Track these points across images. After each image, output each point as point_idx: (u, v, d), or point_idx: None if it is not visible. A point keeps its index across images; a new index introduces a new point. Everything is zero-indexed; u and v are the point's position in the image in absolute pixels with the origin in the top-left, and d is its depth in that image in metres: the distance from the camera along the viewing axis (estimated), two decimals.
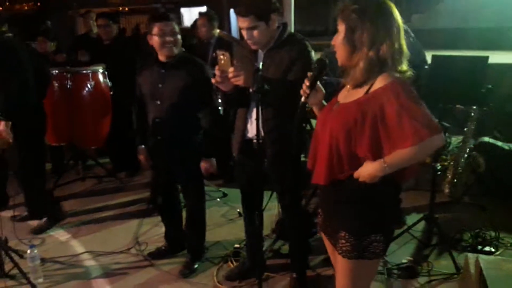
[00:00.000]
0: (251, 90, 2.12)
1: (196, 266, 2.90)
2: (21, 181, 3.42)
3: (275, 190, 2.57)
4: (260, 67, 2.22)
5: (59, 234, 3.44)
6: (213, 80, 2.21)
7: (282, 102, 2.19)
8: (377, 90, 1.48)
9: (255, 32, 2.18)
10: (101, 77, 4.08)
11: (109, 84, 4.12)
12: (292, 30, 5.75)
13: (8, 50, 3.08)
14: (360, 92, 1.55)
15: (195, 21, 4.67)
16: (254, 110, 2.25)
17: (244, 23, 2.16)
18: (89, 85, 3.99)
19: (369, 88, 1.52)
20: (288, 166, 2.42)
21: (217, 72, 2.15)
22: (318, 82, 1.67)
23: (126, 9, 8.09)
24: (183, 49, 2.69)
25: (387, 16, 1.50)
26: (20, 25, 3.05)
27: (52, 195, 3.79)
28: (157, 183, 3.19)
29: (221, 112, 3.78)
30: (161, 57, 2.63)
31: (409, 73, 1.54)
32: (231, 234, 3.28)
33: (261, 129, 2.24)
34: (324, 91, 1.72)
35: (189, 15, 8.26)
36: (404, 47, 1.53)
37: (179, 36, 2.60)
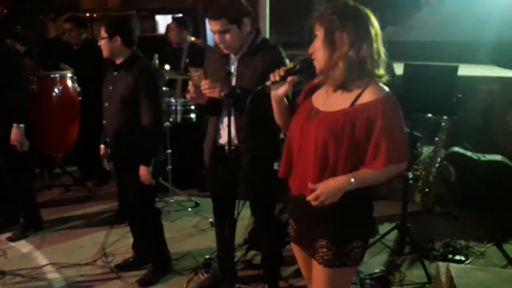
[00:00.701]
0: (222, 94, 2.08)
1: (157, 277, 2.81)
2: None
3: (248, 199, 2.51)
4: (232, 71, 2.18)
5: (21, 245, 3.28)
6: (188, 96, 2.18)
7: (257, 110, 2.08)
8: (367, 103, 1.48)
9: (227, 36, 2.14)
10: (69, 82, 3.95)
11: (78, 89, 4.00)
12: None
13: (14, 57, 3.19)
14: (345, 100, 1.53)
15: (167, 27, 4.64)
16: (226, 118, 2.23)
17: (216, 26, 2.12)
18: (56, 90, 3.86)
19: (357, 98, 1.51)
20: (263, 174, 2.38)
21: (191, 88, 2.13)
22: (290, 78, 1.63)
23: (94, 15, 7.96)
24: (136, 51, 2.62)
25: (366, 19, 1.52)
26: None
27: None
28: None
29: (194, 119, 3.74)
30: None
31: (385, 78, 1.54)
32: (203, 245, 3.20)
33: (233, 136, 2.24)
34: (291, 89, 1.66)
35: (165, 22, 8.20)
36: (382, 51, 1.54)
37: (106, 44, 2.52)
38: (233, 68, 2.21)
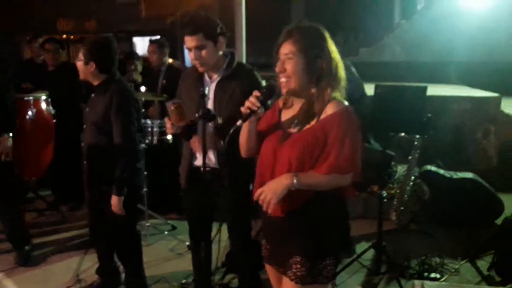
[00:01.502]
0: (196, 115, 2.10)
1: None
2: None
3: (225, 221, 2.51)
4: (206, 92, 2.19)
5: None
6: (168, 131, 2.25)
7: (237, 135, 2.16)
8: (327, 117, 1.57)
9: (204, 52, 2.17)
10: (43, 104, 3.89)
11: (52, 112, 3.95)
12: (244, 62, 5.85)
13: None
14: (311, 118, 1.61)
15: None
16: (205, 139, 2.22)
17: (193, 42, 2.14)
18: (30, 112, 3.80)
19: (320, 115, 1.59)
20: (241, 196, 2.37)
21: (168, 125, 2.19)
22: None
23: (72, 37, 7.94)
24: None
25: (331, 43, 1.62)
26: None
27: None
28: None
29: (171, 141, 3.72)
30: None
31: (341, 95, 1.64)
32: (179, 269, 3.14)
33: (212, 158, 2.28)
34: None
35: (142, 44, 8.23)
36: (343, 76, 1.64)
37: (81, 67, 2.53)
38: (207, 90, 2.22)
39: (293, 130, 1.65)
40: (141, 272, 2.82)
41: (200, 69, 2.25)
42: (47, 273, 3.17)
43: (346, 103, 1.62)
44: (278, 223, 1.67)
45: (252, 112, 1.65)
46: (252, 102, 1.64)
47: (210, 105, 2.26)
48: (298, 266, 1.61)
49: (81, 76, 2.56)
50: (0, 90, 3.07)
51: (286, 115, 1.72)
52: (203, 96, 2.15)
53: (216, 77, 2.28)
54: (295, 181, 1.53)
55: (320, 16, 3.00)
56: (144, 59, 5.04)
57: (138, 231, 2.83)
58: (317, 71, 1.59)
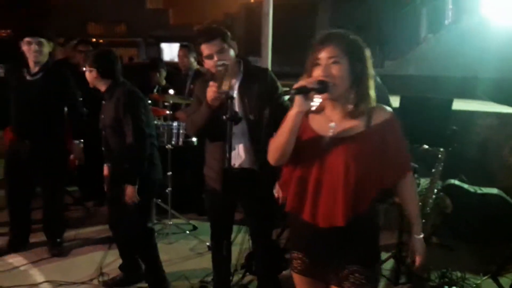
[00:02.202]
0: (224, 117, 2.14)
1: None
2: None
3: (247, 223, 2.55)
4: (234, 95, 2.24)
5: (18, 262, 3.28)
6: (210, 94, 2.14)
7: (270, 133, 2.19)
8: (382, 123, 1.58)
9: (224, 55, 2.24)
10: None
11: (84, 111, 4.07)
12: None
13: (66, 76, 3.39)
14: (358, 123, 1.59)
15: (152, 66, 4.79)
16: (237, 139, 2.30)
17: (213, 47, 2.21)
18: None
19: (368, 120, 1.59)
20: (270, 200, 2.40)
21: (213, 88, 2.11)
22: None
23: (101, 41, 8.16)
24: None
25: (362, 46, 1.63)
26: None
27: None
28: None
29: (196, 143, 3.79)
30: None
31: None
32: (199, 268, 3.19)
33: (235, 158, 2.32)
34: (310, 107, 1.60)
35: (169, 50, 8.40)
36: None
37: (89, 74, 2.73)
38: (235, 93, 2.28)
39: (336, 134, 1.60)
40: (159, 267, 2.90)
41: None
42: (72, 265, 3.27)
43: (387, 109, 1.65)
44: (329, 234, 1.61)
45: (304, 89, 1.52)
46: (307, 81, 1.56)
47: (237, 107, 2.30)
48: (357, 275, 1.60)
49: (90, 84, 2.77)
50: (72, 99, 3.32)
51: (317, 121, 1.66)
52: (231, 99, 2.17)
53: (235, 81, 2.33)
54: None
55: (346, 28, 3.01)
56: (173, 64, 5.17)
57: (151, 227, 2.91)
58: (359, 74, 1.58)
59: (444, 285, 2.98)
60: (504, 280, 3.05)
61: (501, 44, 5.75)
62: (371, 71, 1.62)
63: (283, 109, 2.41)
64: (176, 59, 4.75)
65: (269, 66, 5.82)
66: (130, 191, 2.63)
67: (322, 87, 1.53)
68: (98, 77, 2.72)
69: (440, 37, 7.14)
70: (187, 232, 3.85)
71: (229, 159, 2.17)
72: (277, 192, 2.38)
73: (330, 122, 1.62)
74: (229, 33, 2.31)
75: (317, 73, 1.56)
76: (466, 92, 5.76)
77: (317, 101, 1.58)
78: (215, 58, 2.23)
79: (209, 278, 2.91)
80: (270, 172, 2.30)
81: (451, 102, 2.84)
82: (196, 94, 2.46)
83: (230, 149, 2.22)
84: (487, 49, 5.85)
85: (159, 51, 8.24)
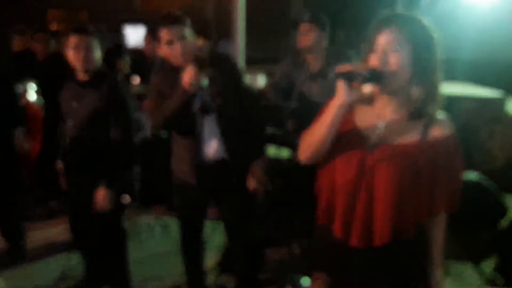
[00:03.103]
0: (196, 108, 2.01)
1: None
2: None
3: (223, 218, 2.45)
4: (205, 84, 2.12)
5: None
6: (188, 80, 2.04)
7: (241, 123, 2.22)
8: (440, 139, 1.32)
9: (186, 42, 2.12)
10: (33, 95, 3.78)
11: (41, 102, 3.82)
12: (244, 57, 5.77)
13: None
14: (413, 130, 1.34)
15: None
16: (206, 130, 2.21)
17: (177, 32, 2.10)
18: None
19: (425, 128, 1.33)
20: (247, 192, 2.34)
21: (190, 74, 2.02)
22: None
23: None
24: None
25: (433, 35, 1.37)
26: None
27: None
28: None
29: (165, 135, 3.59)
30: (77, 73, 2.49)
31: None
32: (171, 267, 3.00)
33: (207, 149, 2.23)
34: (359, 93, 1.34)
35: (135, 34, 8.12)
36: None
37: (97, 54, 2.45)
38: (206, 82, 2.11)
39: (384, 137, 1.35)
40: (127, 270, 2.74)
41: (181, 61, 2.14)
42: (35, 268, 3.12)
43: (452, 127, 1.38)
44: (362, 256, 1.40)
45: (350, 75, 1.28)
46: (358, 66, 1.32)
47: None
48: None
49: (94, 66, 2.45)
50: (10, 85, 3.05)
51: (364, 116, 1.41)
52: (202, 89, 2.06)
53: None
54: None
55: (320, 12, 2.91)
56: (138, 51, 4.93)
57: (125, 228, 2.75)
58: (425, 67, 1.31)
59: None
60: (484, 266, 3.03)
61: (478, 25, 5.77)
62: (439, 64, 1.34)
63: (249, 93, 2.37)
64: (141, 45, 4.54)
65: (244, 52, 5.64)
66: (104, 196, 2.40)
67: (374, 77, 1.28)
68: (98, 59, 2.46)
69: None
70: (158, 229, 3.70)
71: (202, 151, 2.12)
72: (250, 184, 2.31)
73: (379, 121, 1.37)
74: (190, 22, 2.19)
75: (373, 61, 1.31)
76: (445, 75, 5.73)
77: (367, 92, 1.33)
78: (177, 44, 2.09)
79: (183, 279, 2.74)
80: (242, 163, 2.29)
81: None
82: (155, 86, 2.29)
83: (203, 140, 2.20)
84: (464, 30, 5.85)
85: (121, 37, 7.90)
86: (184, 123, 2.21)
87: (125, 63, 4.22)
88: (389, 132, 1.35)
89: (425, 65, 1.31)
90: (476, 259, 3.07)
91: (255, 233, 3.11)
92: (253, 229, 2.56)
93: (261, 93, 3.12)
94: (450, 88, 4.99)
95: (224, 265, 2.94)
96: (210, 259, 2.89)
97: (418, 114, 1.34)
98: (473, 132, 4.30)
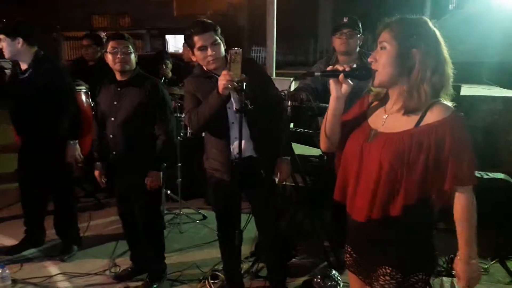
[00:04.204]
0: (234, 109, 2.16)
1: (155, 286, 2.87)
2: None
3: (254, 211, 2.58)
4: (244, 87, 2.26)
5: (33, 255, 3.34)
6: (222, 81, 2.09)
7: (267, 119, 2.31)
8: (433, 124, 1.39)
9: (217, 47, 2.25)
10: (83, 97, 4.07)
11: (92, 104, 4.12)
12: (274, 60, 5.94)
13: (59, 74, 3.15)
14: (408, 120, 1.44)
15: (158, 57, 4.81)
16: (234, 131, 2.32)
17: (209, 39, 2.22)
18: None
19: (421, 118, 1.42)
20: (273, 186, 2.47)
21: (226, 77, 2.06)
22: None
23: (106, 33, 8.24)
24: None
25: (441, 40, 1.46)
26: None
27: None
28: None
29: (189, 134, 3.81)
30: (117, 75, 2.72)
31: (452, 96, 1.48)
32: (209, 256, 3.25)
33: (245, 148, 2.31)
34: (349, 87, 1.52)
35: (174, 41, 8.41)
36: (450, 75, 1.48)
37: (132, 56, 2.66)
38: (245, 85, 2.27)
39: (382, 128, 1.50)
40: (163, 257, 2.97)
41: (213, 66, 2.27)
42: (85, 256, 3.33)
43: (451, 105, 1.44)
44: (366, 230, 1.55)
45: (331, 73, 1.50)
46: (341, 66, 1.50)
47: (232, 98, 2.28)
48: (387, 278, 1.50)
49: (133, 66, 2.67)
50: (65, 97, 3.11)
51: (375, 110, 1.57)
52: (242, 91, 2.12)
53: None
54: (474, 260, 1.52)
55: (349, 15, 3.03)
56: (177, 56, 5.19)
57: (161, 217, 3.02)
58: (409, 63, 1.41)
59: (452, 270, 3.00)
60: (511, 264, 3.08)
61: (506, 29, 5.70)
62: (433, 61, 1.41)
63: (277, 96, 2.47)
64: (180, 51, 4.76)
65: (274, 56, 5.83)
66: (157, 177, 2.70)
67: (358, 74, 1.47)
68: (135, 61, 2.71)
69: (444, 22, 7.08)
70: (197, 221, 3.90)
71: (240, 147, 2.16)
72: (277, 180, 2.46)
73: (385, 115, 1.52)
74: (219, 28, 2.31)
75: (370, 58, 1.49)
76: (470, 77, 5.72)
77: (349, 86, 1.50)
78: (209, 50, 2.23)
79: (220, 267, 2.95)
80: (270, 161, 2.42)
81: (459, 88, 2.82)
82: (188, 90, 2.42)
83: (234, 140, 2.31)
84: (492, 33, 5.80)
85: (164, 43, 8.24)
86: (218, 124, 2.34)
87: (167, 68, 4.51)
88: (389, 124, 1.49)
89: (411, 63, 1.41)
90: (503, 257, 3.11)
91: (286, 226, 3.29)
92: (283, 222, 2.68)
93: (292, 95, 3.23)
94: (476, 90, 5.01)
95: (257, 255, 3.12)
96: (245, 249, 3.06)
97: (409, 107, 1.43)
98: (500, 133, 4.31)
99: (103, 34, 4.63)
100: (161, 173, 2.73)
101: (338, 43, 2.97)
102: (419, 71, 1.40)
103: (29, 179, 3.28)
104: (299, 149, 3.36)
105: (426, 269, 1.53)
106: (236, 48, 2.03)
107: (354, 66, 1.50)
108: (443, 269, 3.03)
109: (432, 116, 1.40)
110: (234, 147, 2.35)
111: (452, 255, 3.01)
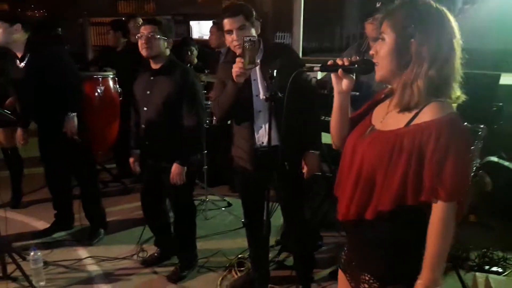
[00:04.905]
0: (263, 97, 2.12)
1: (184, 273, 2.89)
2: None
3: (279, 200, 2.57)
4: (274, 74, 2.21)
5: (63, 238, 3.42)
6: (236, 70, 2.09)
7: (296, 109, 2.21)
8: (421, 124, 1.23)
9: (243, 32, 2.19)
10: (111, 82, 4.10)
11: (119, 90, 4.15)
12: (301, 47, 5.83)
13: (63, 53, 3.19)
14: (401, 119, 1.30)
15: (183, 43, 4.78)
16: (260, 119, 2.30)
17: (235, 23, 2.19)
18: (98, 90, 4.01)
19: (414, 117, 1.27)
20: (297, 176, 2.43)
21: (239, 64, 2.06)
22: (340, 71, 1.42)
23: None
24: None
25: (449, 26, 1.26)
26: (32, 31, 3.08)
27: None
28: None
29: (214, 121, 3.75)
30: (150, 62, 2.69)
31: (463, 97, 1.30)
32: (235, 244, 3.26)
33: (263, 136, 2.31)
34: (350, 81, 1.42)
35: (198, 28, 8.36)
36: (457, 69, 1.29)
37: (159, 41, 2.60)
38: (275, 72, 2.22)
39: (379, 125, 1.38)
40: (194, 245, 2.97)
41: (238, 51, 2.22)
42: (113, 240, 3.39)
43: (452, 107, 1.25)
44: (350, 230, 1.48)
45: (329, 67, 1.40)
46: (343, 60, 1.39)
47: (260, 85, 2.29)
48: (365, 285, 1.40)
49: (156, 52, 2.60)
50: (65, 72, 3.08)
51: (379, 109, 1.45)
52: (272, 78, 2.10)
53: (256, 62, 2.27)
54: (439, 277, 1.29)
55: (376, 3, 2.92)
56: (202, 42, 5.16)
57: (194, 204, 2.97)
58: (405, 55, 1.26)
59: (485, 265, 2.93)
60: None
61: None
62: (431, 52, 1.23)
63: (308, 86, 2.39)
64: (205, 37, 4.72)
65: (301, 42, 5.73)
66: (179, 171, 2.63)
67: (358, 68, 1.37)
68: (168, 49, 2.65)
69: (477, 8, 6.79)
70: (223, 208, 3.92)
71: (270, 136, 2.13)
72: (304, 170, 2.41)
73: (386, 111, 1.39)
74: (254, 12, 2.27)
75: (372, 51, 1.36)
76: (506, 66, 5.50)
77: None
78: (234, 34, 2.19)
79: (246, 255, 2.95)
80: (295, 151, 2.37)
81: (498, 77, 2.71)
82: (219, 76, 2.41)
83: (259, 129, 2.30)
84: None
85: (188, 29, 8.20)
86: (243, 112, 2.32)
87: (193, 54, 4.48)
88: (386, 121, 1.36)
89: (407, 56, 1.26)
90: None
91: (312, 216, 3.27)
92: (309, 212, 2.64)
93: (320, 82, 3.16)
94: (508, 79, 4.80)
95: (282, 244, 3.10)
96: (271, 237, 3.02)
97: (402, 104, 1.29)
98: None
99: (140, 20, 4.62)
100: (185, 168, 2.64)
101: (370, 29, 2.85)
102: (414, 64, 1.25)
103: (51, 162, 3.32)
104: (326, 138, 3.30)
105: (407, 279, 1.33)
106: (249, 36, 2.02)
107: (356, 59, 1.40)
108: (475, 264, 2.96)
109: (423, 116, 1.23)
110: (260, 135, 2.34)
111: (485, 250, 3.00)
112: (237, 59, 2.07)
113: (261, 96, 2.27)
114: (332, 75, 1.43)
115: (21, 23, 2.98)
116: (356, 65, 1.39)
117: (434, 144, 1.19)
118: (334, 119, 1.51)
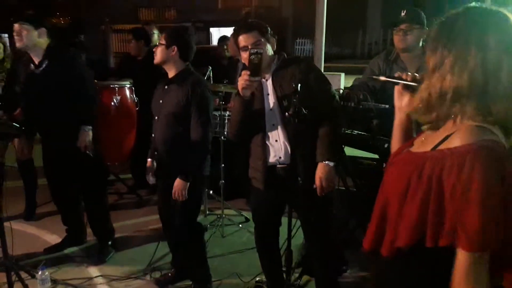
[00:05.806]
0: (287, 114, 1.99)
1: None
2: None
3: (300, 219, 2.42)
4: (299, 88, 2.05)
5: (74, 254, 3.30)
6: (240, 83, 2.06)
7: (313, 122, 2.15)
8: (446, 151, 1.05)
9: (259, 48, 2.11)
10: (127, 92, 4.02)
11: (135, 100, 4.06)
12: (323, 52, 5.68)
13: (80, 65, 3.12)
14: (432, 142, 1.14)
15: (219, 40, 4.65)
16: (275, 133, 2.22)
17: (249, 39, 2.14)
18: (115, 100, 3.93)
19: (442, 140, 1.09)
20: (315, 195, 2.26)
21: (244, 77, 2.03)
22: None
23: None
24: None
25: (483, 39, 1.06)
26: (56, 38, 3.02)
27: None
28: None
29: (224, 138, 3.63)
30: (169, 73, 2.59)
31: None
32: (252, 264, 3.02)
33: (278, 152, 2.23)
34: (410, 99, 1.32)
35: (218, 34, 8.35)
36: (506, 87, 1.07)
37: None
38: (299, 86, 2.07)
39: (416, 146, 1.24)
40: (206, 265, 2.80)
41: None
42: (125, 258, 3.25)
43: (487, 134, 1.03)
44: (375, 265, 1.34)
45: (393, 80, 1.31)
46: (408, 75, 1.30)
47: (271, 101, 2.22)
48: None
49: (157, 60, 2.52)
50: (82, 82, 3.00)
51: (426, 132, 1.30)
52: (296, 93, 1.99)
53: (269, 76, 2.24)
54: None
55: (400, 8, 2.79)
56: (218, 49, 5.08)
57: (199, 223, 2.81)
58: (440, 72, 1.11)
59: None
60: None
61: None
62: (482, 73, 1.04)
63: (328, 97, 2.25)
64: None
65: (323, 48, 5.57)
66: (180, 187, 2.49)
67: (418, 86, 1.20)
68: (177, 55, 2.50)
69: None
70: (240, 225, 3.75)
71: (293, 155, 2.08)
72: (318, 187, 2.25)
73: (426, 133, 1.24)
74: (268, 29, 2.21)
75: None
76: None
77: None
78: (247, 53, 2.10)
79: (263, 277, 2.77)
80: (311, 167, 2.22)
81: None
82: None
83: (271, 147, 2.24)
84: None
85: (208, 36, 8.18)
86: (254, 128, 2.24)
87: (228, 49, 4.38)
88: (425, 141, 1.20)
89: (440, 71, 1.10)
90: None
91: (335, 236, 3.07)
92: (331, 231, 2.50)
93: (347, 94, 2.99)
94: None
95: (304, 267, 2.90)
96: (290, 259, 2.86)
97: (433, 125, 1.17)
98: None
99: (154, 28, 4.55)
100: (188, 184, 2.48)
101: (396, 40, 2.74)
102: (441, 82, 1.09)
103: (56, 176, 3.20)
104: (351, 151, 3.12)
105: None
106: (255, 49, 2.01)
107: (417, 76, 1.29)
108: None
109: (451, 141, 1.06)
110: (276, 149, 2.25)
111: None
112: (243, 72, 2.06)
113: (274, 109, 2.21)
114: (396, 89, 1.35)
115: (46, 27, 2.93)
116: (418, 83, 1.24)
117: (455, 178, 0.99)
118: (394, 136, 1.40)
